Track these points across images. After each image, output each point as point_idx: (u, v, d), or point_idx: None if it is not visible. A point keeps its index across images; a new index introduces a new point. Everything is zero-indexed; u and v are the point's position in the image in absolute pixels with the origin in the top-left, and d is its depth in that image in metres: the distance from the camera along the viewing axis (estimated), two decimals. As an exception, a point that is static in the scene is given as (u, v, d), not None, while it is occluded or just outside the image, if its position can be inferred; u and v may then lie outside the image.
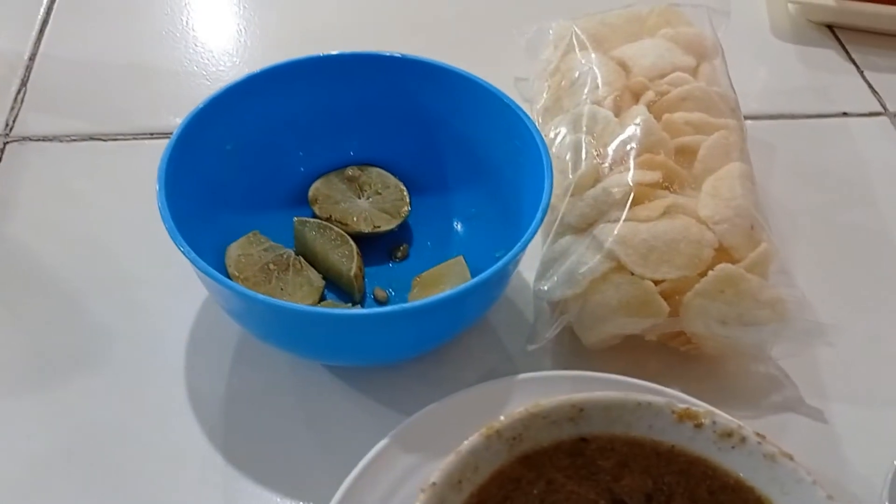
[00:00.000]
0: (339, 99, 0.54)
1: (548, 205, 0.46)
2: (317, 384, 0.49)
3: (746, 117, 0.66)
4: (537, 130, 0.49)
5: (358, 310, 0.46)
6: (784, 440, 0.47)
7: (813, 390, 0.50)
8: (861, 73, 0.72)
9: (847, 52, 0.74)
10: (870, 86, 0.71)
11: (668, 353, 0.51)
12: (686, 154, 0.53)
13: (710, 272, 0.47)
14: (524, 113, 0.50)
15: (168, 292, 0.52)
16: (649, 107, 0.55)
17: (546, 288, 0.49)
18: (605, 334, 0.49)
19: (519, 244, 0.43)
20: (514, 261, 0.45)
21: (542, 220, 0.45)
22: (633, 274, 0.47)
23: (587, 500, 0.36)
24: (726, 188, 0.51)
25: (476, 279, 0.43)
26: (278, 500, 0.44)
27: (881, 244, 0.59)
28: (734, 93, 0.58)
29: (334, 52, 0.53)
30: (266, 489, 0.44)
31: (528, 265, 0.52)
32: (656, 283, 0.47)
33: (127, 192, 0.58)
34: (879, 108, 0.69)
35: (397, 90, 0.54)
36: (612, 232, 0.48)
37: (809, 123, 0.68)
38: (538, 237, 0.52)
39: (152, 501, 0.43)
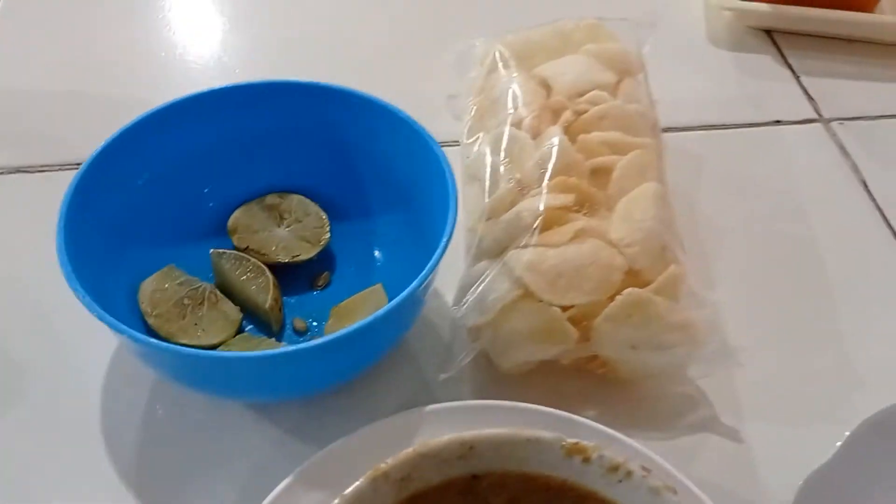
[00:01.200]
0: (256, 127, 0.54)
1: (452, 232, 0.46)
2: (232, 420, 0.49)
3: (678, 129, 0.66)
4: (444, 156, 0.50)
5: (247, 353, 0.46)
6: (699, 459, 0.49)
7: (729, 409, 0.51)
8: (797, 78, 0.72)
9: (784, 58, 0.74)
10: (805, 92, 0.71)
11: (584, 377, 0.51)
12: (602, 175, 0.53)
13: (618, 297, 0.47)
14: (431, 138, 0.50)
15: (85, 329, 0.52)
16: (567, 127, 0.55)
17: (460, 315, 0.49)
18: (518, 360, 0.49)
19: (423, 272, 0.44)
20: (420, 289, 0.45)
21: (445, 246, 0.45)
22: (541, 300, 0.47)
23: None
24: (638, 210, 0.51)
25: (380, 311, 0.43)
26: (190, 539, 0.44)
27: (809, 255, 0.60)
28: (654, 109, 0.58)
29: (246, 82, 0.53)
30: (178, 530, 0.44)
31: (452, 289, 0.52)
32: (565, 308, 0.48)
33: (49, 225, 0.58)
34: (814, 115, 0.69)
35: (313, 117, 0.54)
36: (521, 258, 0.48)
37: (742, 133, 0.68)
38: (461, 261, 0.52)
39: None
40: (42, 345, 0.52)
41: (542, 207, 0.50)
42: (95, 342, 0.51)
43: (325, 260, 0.55)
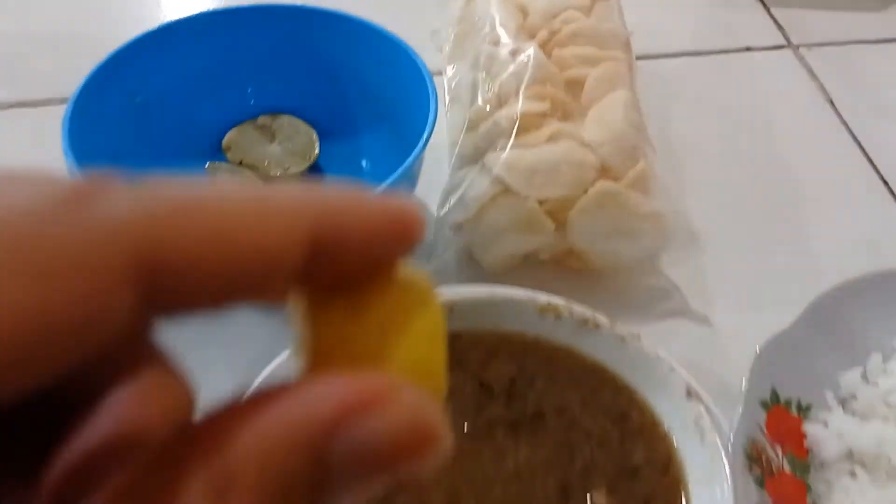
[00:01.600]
0: (246, 49, 0.57)
1: (429, 136, 0.49)
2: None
3: (653, 56, 0.69)
4: (422, 63, 0.53)
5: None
6: (671, 342, 0.51)
7: (699, 297, 0.54)
8: (767, 8, 0.75)
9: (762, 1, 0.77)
10: (774, 20, 0.74)
11: (562, 272, 0.54)
12: (575, 86, 0.57)
13: (591, 189, 0.50)
14: (414, 53, 0.53)
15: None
16: (542, 45, 0.58)
17: (443, 214, 0.52)
18: (500, 254, 0.53)
19: (401, 168, 0.47)
20: (402, 175, 0.47)
21: (423, 148, 0.48)
22: (518, 195, 0.51)
23: (454, 385, 0.39)
24: (610, 114, 0.54)
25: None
26: None
27: (777, 165, 0.63)
28: (626, 30, 0.61)
29: (235, 6, 0.56)
30: None
31: (436, 200, 0.55)
32: (541, 203, 0.51)
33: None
34: (783, 42, 0.72)
35: (301, 40, 0.57)
36: (499, 159, 0.51)
37: (714, 59, 0.71)
38: (446, 175, 0.55)
39: None
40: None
41: (518, 112, 0.53)
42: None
43: (314, 175, 0.58)
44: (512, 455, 0.38)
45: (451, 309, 0.41)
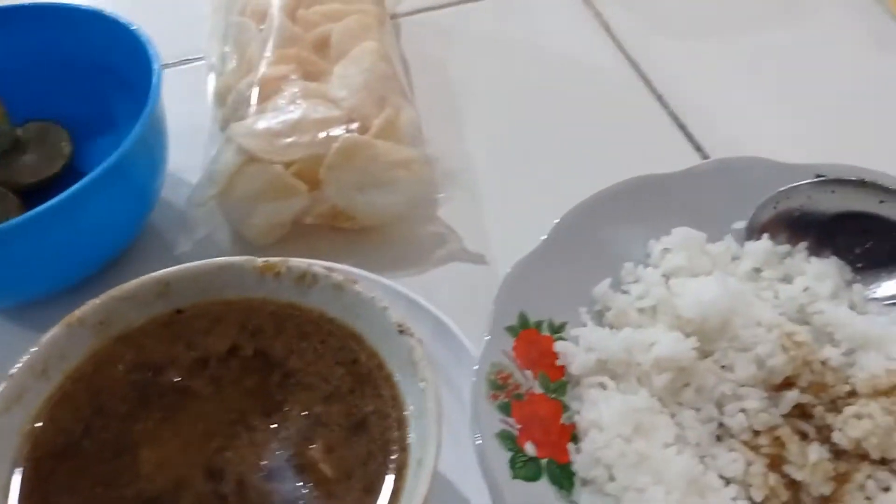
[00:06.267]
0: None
1: (150, 114, 0.47)
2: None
3: (428, 9, 0.69)
4: (152, 50, 0.50)
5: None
6: (448, 286, 0.51)
7: (476, 237, 0.53)
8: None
9: None
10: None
11: (335, 234, 0.53)
12: (325, 45, 0.55)
13: (334, 144, 0.49)
14: (143, 36, 0.51)
15: None
16: (290, 8, 0.56)
17: (191, 194, 0.50)
18: (261, 225, 0.51)
19: (114, 155, 0.45)
20: (116, 165, 0.45)
21: (141, 131, 0.46)
22: (264, 161, 0.49)
23: (169, 354, 0.38)
24: (354, 66, 0.53)
25: (76, 185, 0.44)
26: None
27: (553, 99, 0.62)
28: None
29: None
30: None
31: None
32: (290, 165, 0.49)
33: None
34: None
35: (42, 39, 0.55)
36: (241, 127, 0.50)
37: (487, 3, 0.70)
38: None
39: None
40: None
41: (257, 78, 0.52)
42: None
43: (73, 176, 0.56)
44: (231, 413, 0.37)
45: (168, 285, 0.40)
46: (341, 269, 0.40)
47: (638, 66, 0.64)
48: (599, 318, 0.45)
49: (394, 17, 0.68)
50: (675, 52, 0.65)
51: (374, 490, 0.34)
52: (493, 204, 0.55)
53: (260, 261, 0.40)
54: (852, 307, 0.44)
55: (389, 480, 0.34)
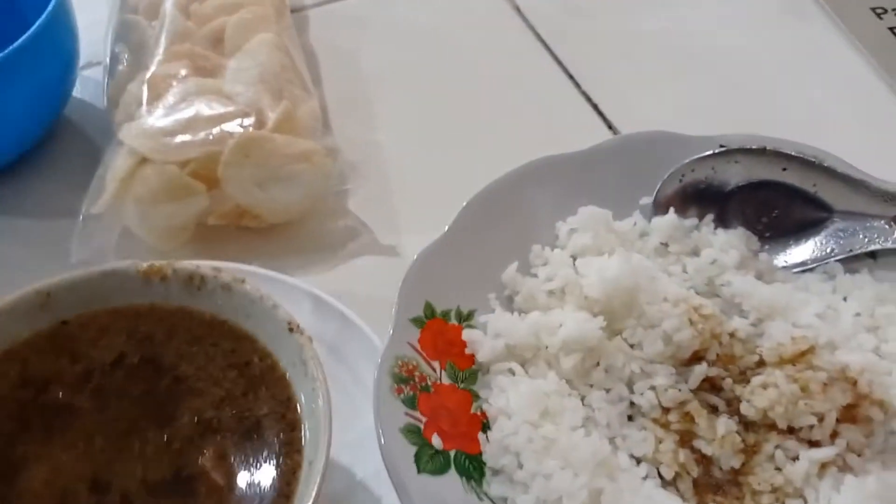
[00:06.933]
0: None
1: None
2: None
3: (329, 1, 0.67)
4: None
5: None
6: (360, 280, 0.50)
7: (389, 229, 0.52)
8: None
9: None
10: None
11: (243, 233, 0.51)
12: (220, 40, 0.54)
13: (230, 141, 0.47)
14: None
15: None
16: (183, 4, 0.55)
17: (86, 201, 0.48)
18: (161, 228, 0.49)
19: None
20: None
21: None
22: (157, 162, 0.47)
23: (54, 367, 0.36)
24: (250, 59, 0.51)
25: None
26: None
27: (467, 85, 0.61)
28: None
29: None
30: None
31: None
32: (185, 165, 0.48)
33: None
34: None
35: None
36: (132, 129, 0.48)
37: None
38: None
39: None
40: None
41: (147, 76, 0.50)
42: None
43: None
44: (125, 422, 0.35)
45: (49, 295, 0.38)
46: (231, 269, 0.38)
47: (550, 47, 0.63)
48: (509, 303, 0.44)
49: (302, 8, 0.67)
50: (586, 34, 0.64)
51: (266, 496, 0.33)
52: (405, 194, 0.54)
53: (144, 265, 0.38)
54: (759, 277, 0.43)
55: (283, 484, 0.33)
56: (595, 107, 0.58)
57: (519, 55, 0.63)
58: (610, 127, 0.57)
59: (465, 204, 0.45)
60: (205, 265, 0.38)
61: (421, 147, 0.57)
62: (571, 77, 0.60)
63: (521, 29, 0.65)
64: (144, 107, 0.49)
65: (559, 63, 0.62)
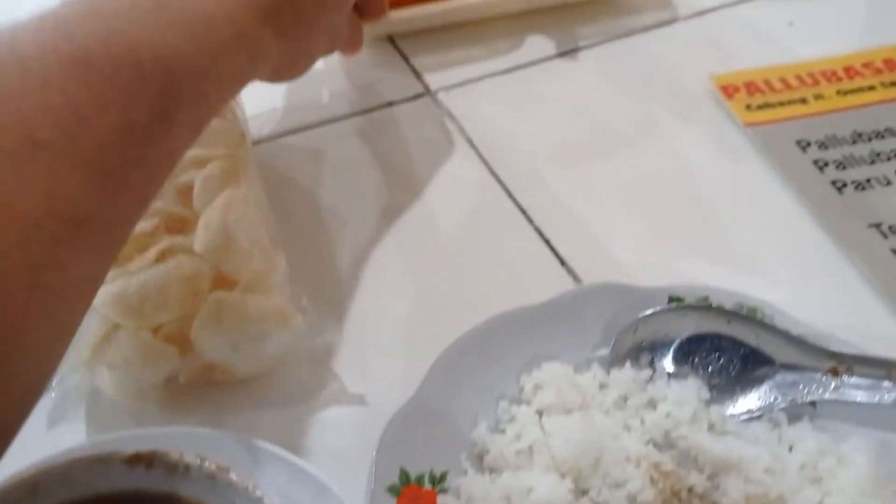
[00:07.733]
0: None
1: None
2: None
3: (288, 132, 0.69)
4: None
5: None
6: (332, 431, 0.51)
7: (357, 376, 0.53)
8: (406, 59, 0.77)
9: (403, 56, 0.77)
10: (414, 71, 0.76)
11: (213, 388, 0.52)
12: (190, 193, 0.55)
13: (203, 305, 0.49)
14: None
15: None
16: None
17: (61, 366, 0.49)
18: (132, 391, 0.50)
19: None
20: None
21: None
22: (131, 329, 0.48)
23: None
24: (217, 217, 0.53)
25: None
26: None
27: (425, 220, 0.64)
28: (240, 121, 0.60)
29: None
30: None
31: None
32: (158, 329, 0.49)
33: None
34: (422, 90, 0.74)
35: None
36: (103, 293, 0.49)
37: (356, 122, 0.71)
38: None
39: None
40: None
41: (118, 239, 0.51)
42: None
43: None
44: None
45: (35, 487, 0.38)
46: (210, 442, 0.39)
47: (502, 181, 0.66)
48: (479, 461, 0.46)
49: (256, 142, 0.69)
50: (543, 178, 0.67)
51: None
52: (372, 340, 0.56)
53: (128, 452, 0.39)
54: (711, 427, 0.46)
55: None
56: (547, 243, 0.62)
57: (474, 188, 0.66)
58: (563, 264, 0.60)
59: (432, 363, 0.48)
60: (189, 454, 0.39)
61: (378, 285, 0.59)
62: (530, 220, 0.63)
63: (475, 161, 0.68)
64: (115, 270, 0.50)
65: (513, 199, 0.65)
